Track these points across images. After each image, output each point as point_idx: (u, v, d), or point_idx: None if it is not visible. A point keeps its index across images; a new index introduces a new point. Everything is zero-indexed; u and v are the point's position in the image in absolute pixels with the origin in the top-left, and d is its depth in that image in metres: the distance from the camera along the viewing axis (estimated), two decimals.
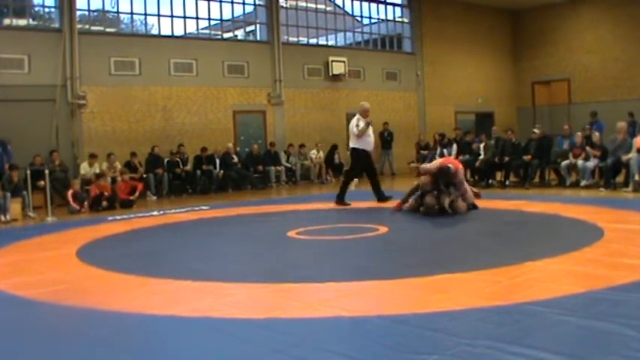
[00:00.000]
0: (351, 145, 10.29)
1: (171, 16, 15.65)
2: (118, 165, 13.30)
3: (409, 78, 20.01)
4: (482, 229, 7.35)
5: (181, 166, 14.35)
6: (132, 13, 15.46)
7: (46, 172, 11.35)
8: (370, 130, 10.13)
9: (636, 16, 19.13)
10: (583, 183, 11.63)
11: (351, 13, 20.10)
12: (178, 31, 15.90)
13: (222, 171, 14.69)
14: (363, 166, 10.31)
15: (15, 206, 10.64)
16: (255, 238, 7.40)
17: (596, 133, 12.30)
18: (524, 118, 21.67)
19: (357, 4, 19.77)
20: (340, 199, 10.19)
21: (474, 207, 8.69)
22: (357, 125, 10.02)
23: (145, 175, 13.64)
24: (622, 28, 19.61)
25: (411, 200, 8.90)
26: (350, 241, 6.60)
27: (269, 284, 4.67)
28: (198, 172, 14.47)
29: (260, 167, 15.48)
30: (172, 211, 10.74)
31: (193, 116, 15.60)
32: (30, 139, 12.78)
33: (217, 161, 14.77)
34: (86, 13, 14.83)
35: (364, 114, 10.14)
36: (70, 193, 11.54)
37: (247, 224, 8.66)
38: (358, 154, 10.14)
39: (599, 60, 20.13)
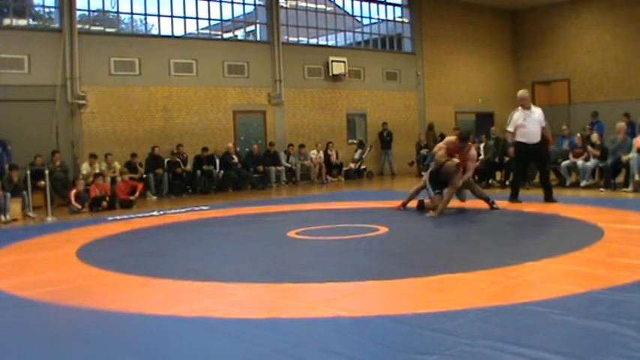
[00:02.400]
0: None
1: (172, 16, 15.66)
2: (117, 165, 13.30)
3: (409, 78, 20.02)
4: (482, 229, 7.35)
5: (181, 166, 14.35)
6: (132, 13, 15.48)
7: (46, 172, 11.36)
8: (526, 120, 9.05)
9: (636, 16, 19.13)
10: (583, 183, 11.63)
11: (351, 13, 20.11)
12: (178, 31, 15.91)
13: (222, 171, 14.69)
14: (522, 160, 9.48)
15: (15, 206, 10.64)
16: (255, 238, 7.40)
17: (595, 134, 12.30)
18: None
19: (357, 4, 19.78)
20: (513, 197, 9.35)
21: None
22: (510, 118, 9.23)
23: (145, 175, 13.65)
24: (622, 28, 19.61)
25: (427, 199, 8.87)
26: (350, 241, 6.60)
27: (269, 284, 4.67)
28: (199, 172, 14.47)
29: (260, 167, 15.49)
30: (172, 211, 10.74)
31: (193, 116, 15.60)
32: (30, 139, 12.78)
33: (217, 161, 14.77)
34: (86, 13, 14.84)
35: (520, 102, 9.20)
36: (73, 193, 11.55)
37: (247, 224, 8.66)
38: (516, 148, 9.37)
39: (599, 60, 20.14)
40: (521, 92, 9.33)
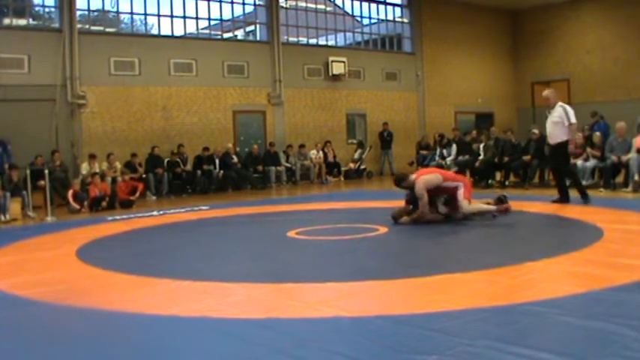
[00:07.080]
0: None
1: (171, 16, 15.66)
2: (118, 165, 13.31)
3: (409, 78, 20.02)
4: (482, 229, 7.35)
5: (181, 166, 14.35)
6: (132, 13, 15.48)
7: (46, 172, 11.35)
8: (547, 120, 9.04)
9: (636, 16, 19.13)
10: (583, 183, 11.60)
11: (351, 13, 20.11)
12: (178, 31, 15.92)
13: (221, 171, 14.69)
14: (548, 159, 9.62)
15: (15, 206, 10.65)
16: (255, 238, 7.40)
17: (597, 134, 12.29)
18: (523, 119, 21.68)
19: (357, 4, 19.79)
20: (584, 198, 9.07)
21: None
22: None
23: (144, 175, 13.64)
24: (622, 28, 19.61)
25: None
26: (350, 241, 6.60)
27: (269, 284, 4.67)
28: (199, 172, 14.46)
29: (260, 167, 15.49)
30: (172, 211, 10.74)
31: (193, 116, 15.60)
32: (30, 139, 12.78)
33: (217, 161, 14.77)
34: (86, 13, 14.85)
35: (545, 102, 9.21)
36: (70, 192, 11.55)
37: (247, 224, 8.66)
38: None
39: (599, 60, 20.14)
40: (544, 92, 9.25)
